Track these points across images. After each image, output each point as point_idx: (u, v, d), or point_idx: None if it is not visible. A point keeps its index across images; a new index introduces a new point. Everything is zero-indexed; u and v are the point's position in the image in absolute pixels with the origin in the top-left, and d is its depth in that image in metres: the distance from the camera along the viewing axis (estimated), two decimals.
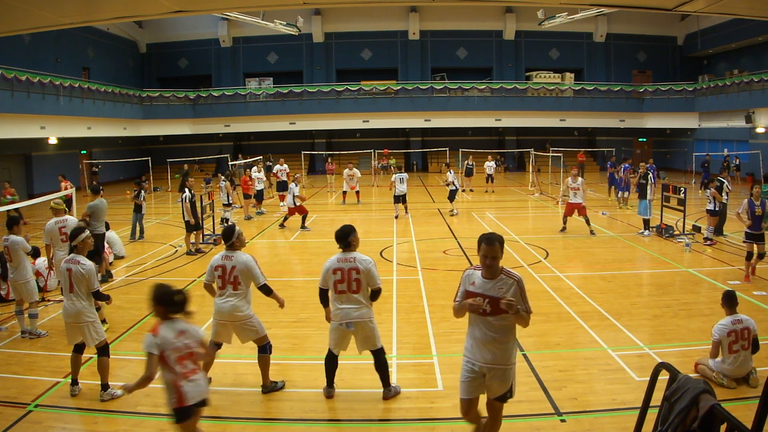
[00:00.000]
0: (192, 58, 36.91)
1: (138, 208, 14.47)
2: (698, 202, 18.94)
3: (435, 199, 22.51)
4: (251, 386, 5.93)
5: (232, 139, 36.31)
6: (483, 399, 4.40)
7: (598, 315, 8.13)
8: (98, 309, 6.44)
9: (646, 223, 14.11)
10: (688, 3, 4.44)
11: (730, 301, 5.98)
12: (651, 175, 14.38)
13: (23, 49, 24.87)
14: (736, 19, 23.18)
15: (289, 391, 5.90)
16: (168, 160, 28.84)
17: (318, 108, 33.15)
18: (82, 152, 29.60)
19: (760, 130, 26.37)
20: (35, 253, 9.38)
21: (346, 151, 30.69)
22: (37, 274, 9.13)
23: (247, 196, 18.11)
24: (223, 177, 17.56)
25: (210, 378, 6.01)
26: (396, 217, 17.49)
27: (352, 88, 33.60)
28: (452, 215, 18.17)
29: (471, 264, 10.38)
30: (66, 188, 15.05)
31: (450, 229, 15.44)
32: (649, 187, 14.00)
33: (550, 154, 26.38)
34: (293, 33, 31.22)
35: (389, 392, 5.68)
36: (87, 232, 6.13)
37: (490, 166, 24.76)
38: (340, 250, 5.54)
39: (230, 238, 5.82)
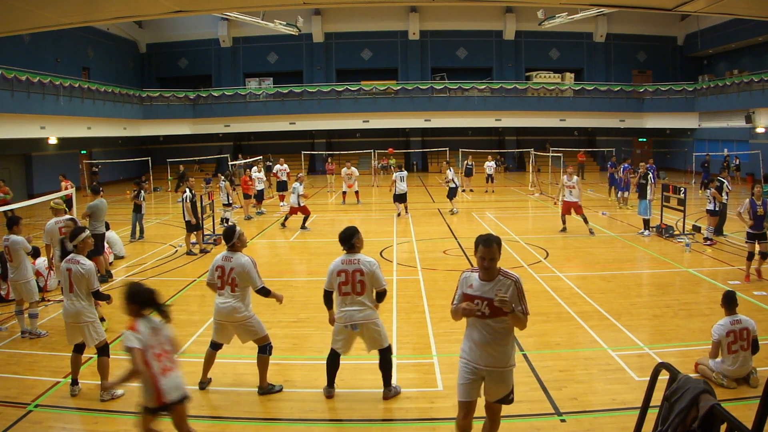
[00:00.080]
0: (192, 58, 36.91)
1: (138, 208, 14.47)
2: (698, 202, 18.94)
3: (435, 199, 22.51)
4: (251, 386, 5.93)
5: (232, 139, 36.31)
6: (480, 402, 4.37)
7: (598, 315, 8.13)
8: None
9: (646, 223, 14.11)
10: (688, 3, 4.44)
11: (729, 301, 5.98)
12: (651, 175, 14.38)
13: (23, 49, 24.87)
14: (736, 19, 23.18)
15: (289, 391, 5.90)
16: (168, 160, 28.87)
17: (318, 108, 33.15)
18: (82, 152, 29.60)
19: (760, 130, 26.37)
20: (35, 253, 9.38)
21: (346, 151, 30.70)
22: (37, 274, 9.12)
23: (247, 196, 18.11)
24: (222, 177, 17.56)
25: (210, 378, 6.02)
26: (398, 215, 17.56)
27: (352, 88, 33.60)
28: (452, 214, 18.23)
29: (471, 264, 10.39)
30: (66, 188, 15.04)
31: (450, 229, 15.44)
32: (649, 187, 14.00)
33: (550, 154, 26.38)
34: (293, 33, 31.22)
35: (389, 392, 5.68)
36: (87, 232, 6.13)
37: (490, 166, 24.77)
38: (344, 251, 5.54)
39: (231, 238, 5.83)
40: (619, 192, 19.45)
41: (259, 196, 18.91)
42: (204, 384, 5.97)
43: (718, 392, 4.33)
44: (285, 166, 20.62)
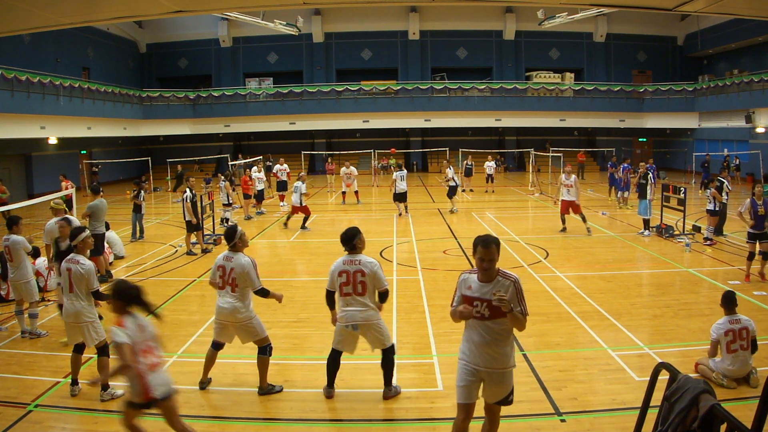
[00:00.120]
0: (192, 58, 36.91)
1: (137, 209, 14.46)
2: (698, 202, 18.94)
3: (435, 198, 22.51)
4: (251, 386, 5.93)
5: (232, 139, 36.31)
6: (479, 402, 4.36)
7: (598, 315, 8.13)
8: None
9: (646, 223, 14.11)
10: (688, 3, 4.44)
11: (728, 301, 5.99)
12: (651, 175, 14.38)
13: (23, 49, 24.87)
14: (736, 19, 23.18)
15: (289, 391, 5.90)
16: (168, 160, 28.84)
17: (318, 108, 33.15)
18: (82, 152, 29.59)
19: (760, 130, 26.37)
20: (35, 253, 9.38)
21: (346, 151, 30.71)
22: (37, 274, 9.13)
23: (247, 196, 18.11)
24: (222, 177, 17.56)
25: (210, 378, 6.03)
26: (399, 215, 17.61)
27: (352, 88, 33.60)
28: (451, 213, 18.28)
29: (471, 264, 10.38)
30: (67, 188, 15.04)
31: (450, 229, 15.44)
32: (649, 187, 13.99)
33: (550, 154, 26.38)
34: (293, 33, 31.22)
35: (389, 391, 5.68)
36: (87, 232, 6.12)
37: (490, 166, 24.76)
38: (345, 252, 5.55)
39: (232, 238, 5.83)
40: (619, 192, 19.45)
41: (259, 196, 18.91)
42: (204, 384, 5.97)
43: (718, 392, 4.33)
44: (285, 166, 20.63)
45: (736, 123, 28.10)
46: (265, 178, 20.22)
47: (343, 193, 21.58)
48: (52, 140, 25.68)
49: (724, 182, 13.32)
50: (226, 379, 6.16)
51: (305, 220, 15.60)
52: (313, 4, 11.24)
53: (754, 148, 26.29)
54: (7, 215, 8.82)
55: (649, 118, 33.56)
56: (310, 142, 36.13)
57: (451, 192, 18.69)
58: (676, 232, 13.62)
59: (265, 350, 5.77)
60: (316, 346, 7.19)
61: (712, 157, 26.11)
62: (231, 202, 16.87)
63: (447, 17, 35.63)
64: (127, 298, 4.19)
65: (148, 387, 4.05)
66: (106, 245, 11.20)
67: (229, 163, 24.21)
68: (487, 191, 24.36)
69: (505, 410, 4.41)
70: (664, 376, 3.89)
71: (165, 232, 16.03)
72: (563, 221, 14.64)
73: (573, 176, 14.42)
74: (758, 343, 6.02)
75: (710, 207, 13.04)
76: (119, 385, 5.87)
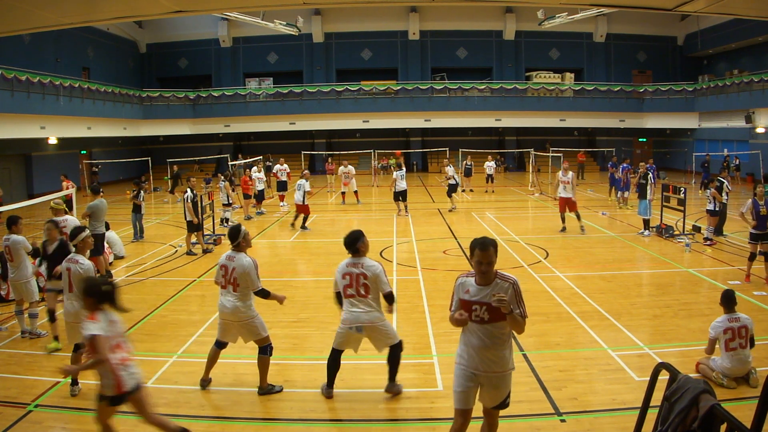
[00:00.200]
0: (192, 58, 36.91)
1: (137, 209, 14.45)
2: (698, 202, 18.94)
3: (435, 198, 22.51)
4: (251, 386, 5.93)
5: (232, 139, 36.31)
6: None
7: (598, 315, 8.13)
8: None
9: (646, 223, 14.11)
10: (688, 3, 4.44)
11: (728, 300, 5.99)
12: (651, 175, 14.38)
13: (23, 49, 24.87)
14: (736, 19, 23.18)
15: (289, 391, 5.90)
16: (168, 160, 28.86)
17: (318, 108, 33.15)
18: (82, 152, 29.60)
19: (760, 130, 26.37)
20: (35, 253, 9.37)
21: (346, 151, 30.71)
22: (37, 274, 9.11)
23: (247, 196, 18.11)
24: (222, 177, 17.56)
25: (210, 378, 6.03)
26: (398, 213, 17.73)
27: (352, 88, 33.60)
28: (450, 211, 18.39)
29: (472, 264, 10.38)
30: (68, 188, 15.04)
31: (450, 229, 15.44)
32: (649, 187, 14.00)
33: (550, 154, 26.38)
34: (293, 33, 31.23)
35: (392, 387, 5.70)
36: (87, 231, 6.12)
37: (490, 166, 24.76)
38: (349, 255, 5.56)
39: (236, 238, 5.84)
40: (619, 192, 19.46)
41: (260, 196, 18.91)
42: (205, 382, 5.98)
43: (718, 392, 4.33)
44: (285, 166, 20.64)
45: (736, 123, 28.11)
46: (265, 178, 20.23)
47: (343, 193, 21.60)
48: (52, 140, 25.68)
49: (724, 182, 13.32)
50: (226, 379, 6.16)
51: (305, 219, 15.59)
52: (313, 4, 11.25)
53: (754, 148, 26.30)
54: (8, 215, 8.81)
55: (649, 118, 33.56)
56: (310, 142, 36.13)
57: (451, 190, 18.92)
58: (676, 232, 13.62)
59: (265, 350, 5.77)
60: (316, 346, 7.19)
61: (712, 157, 26.11)
62: (231, 202, 16.87)
63: (447, 17, 35.63)
64: (99, 295, 4.25)
65: (121, 380, 4.15)
66: (106, 245, 11.20)
67: (229, 163, 24.21)
68: (487, 191, 24.36)
69: (505, 410, 4.40)
70: (664, 376, 3.89)
71: (165, 232, 16.03)
72: (563, 220, 14.67)
73: (570, 173, 14.50)
74: (759, 343, 6.03)
75: (710, 207, 13.04)
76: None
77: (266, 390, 5.80)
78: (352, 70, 36.53)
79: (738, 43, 30.76)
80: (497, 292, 3.89)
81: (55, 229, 7.45)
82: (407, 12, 35.30)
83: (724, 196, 13.10)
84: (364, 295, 5.43)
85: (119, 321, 4.36)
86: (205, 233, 13.68)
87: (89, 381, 5.97)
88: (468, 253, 4.04)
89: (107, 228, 11.32)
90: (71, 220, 8.83)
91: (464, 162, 25.16)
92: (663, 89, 32.88)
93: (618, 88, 33.48)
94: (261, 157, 26.75)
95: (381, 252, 12.43)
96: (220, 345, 5.95)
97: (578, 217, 14.46)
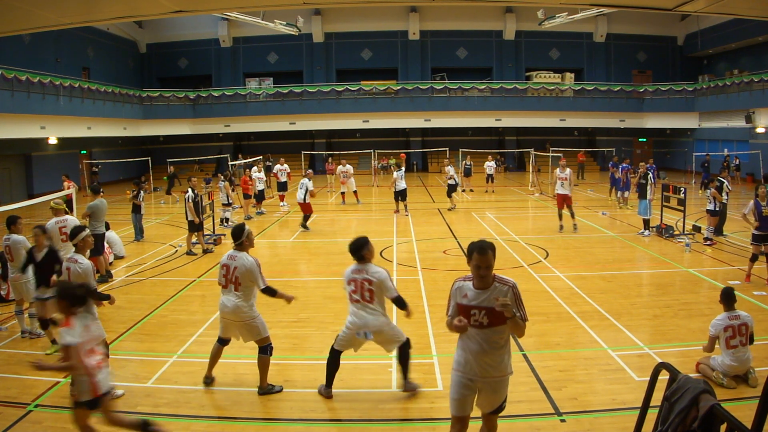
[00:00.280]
0: (192, 58, 36.92)
1: (137, 209, 14.44)
2: (698, 202, 18.94)
3: (435, 198, 22.51)
4: (251, 386, 5.93)
5: (232, 139, 36.31)
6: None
7: (598, 315, 8.13)
8: None
9: (646, 223, 14.11)
10: (688, 3, 4.45)
11: (728, 297, 6.00)
12: (651, 175, 14.38)
13: (23, 49, 24.87)
14: (736, 19, 23.18)
15: (289, 391, 5.90)
16: (168, 160, 28.84)
17: (318, 108, 33.15)
18: (82, 152, 29.60)
19: (760, 130, 26.37)
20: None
21: (346, 151, 30.72)
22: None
23: (247, 196, 18.11)
24: (222, 177, 17.56)
25: (214, 376, 6.04)
26: (396, 212, 17.83)
27: (352, 88, 33.60)
28: (449, 210, 18.53)
29: None
30: (69, 189, 15.03)
31: (450, 229, 15.44)
32: (649, 187, 14.00)
33: (550, 154, 26.37)
34: (293, 33, 31.22)
35: (409, 385, 5.73)
36: (87, 231, 6.11)
37: (490, 166, 24.76)
38: (354, 261, 5.57)
39: (239, 237, 5.85)
40: (619, 192, 19.47)
41: (260, 197, 18.91)
42: (209, 380, 6.00)
43: (718, 392, 4.33)
44: (285, 166, 20.65)
45: (736, 123, 28.11)
46: (265, 178, 20.23)
47: (342, 193, 21.61)
48: (52, 140, 25.68)
49: (724, 182, 13.31)
50: (226, 379, 6.16)
51: (306, 218, 15.54)
52: (313, 4, 11.25)
53: (754, 148, 26.31)
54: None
55: (649, 118, 33.56)
56: (310, 142, 36.13)
57: (450, 190, 19.07)
58: (676, 232, 13.62)
59: (265, 350, 5.78)
60: (316, 346, 7.19)
61: (712, 157, 26.12)
62: (231, 202, 16.87)
63: (447, 17, 35.64)
64: (73, 298, 4.25)
65: (96, 384, 4.20)
66: (106, 245, 11.20)
67: (229, 163, 24.21)
68: (487, 191, 24.36)
69: (505, 410, 4.39)
70: (664, 376, 3.89)
71: (165, 232, 16.03)
72: (560, 217, 14.72)
73: (568, 170, 14.61)
74: (759, 343, 6.03)
75: (710, 207, 13.04)
76: (120, 385, 5.88)
77: (266, 390, 5.80)
78: (352, 70, 36.53)
79: (738, 43, 30.76)
80: (496, 295, 3.82)
81: (42, 235, 7.30)
82: (407, 12, 35.30)
83: (724, 196, 13.10)
84: (369, 300, 5.45)
85: (93, 324, 4.39)
86: (205, 233, 13.68)
87: None
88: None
89: (107, 228, 11.32)
90: (71, 220, 8.82)
91: (464, 162, 25.17)
92: (663, 89, 32.88)
93: (618, 88, 33.48)
94: (261, 157, 26.74)
95: (381, 252, 12.43)
96: (222, 342, 5.98)
97: (572, 214, 14.57)
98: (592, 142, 36.66)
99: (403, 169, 18.37)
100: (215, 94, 34.02)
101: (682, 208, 13.60)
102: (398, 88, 34.03)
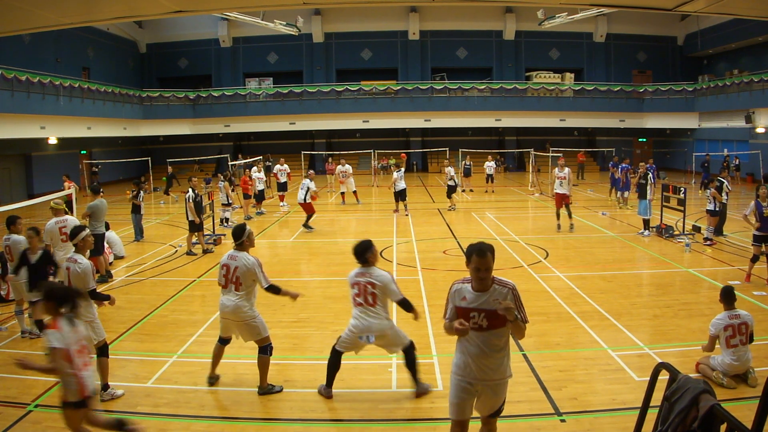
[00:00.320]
0: (192, 58, 36.92)
1: (137, 209, 14.43)
2: (698, 202, 18.93)
3: (435, 198, 22.52)
4: (251, 386, 5.93)
5: (232, 139, 36.31)
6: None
7: (598, 315, 8.13)
8: None
9: (646, 223, 14.11)
10: (688, 3, 4.45)
11: (728, 296, 6.00)
12: (651, 175, 14.39)
13: (23, 49, 24.87)
14: (736, 19, 23.17)
15: (289, 391, 5.90)
16: (168, 160, 28.82)
17: (318, 108, 33.16)
18: (82, 152, 29.60)
19: (760, 130, 26.38)
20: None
21: (346, 151, 30.72)
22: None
23: (246, 196, 18.11)
24: (222, 177, 17.57)
25: (218, 375, 6.05)
26: (395, 211, 17.91)
27: (352, 88, 33.60)
28: (449, 210, 18.63)
29: None
30: (69, 189, 15.02)
31: (450, 229, 15.44)
32: (648, 187, 14.00)
33: (550, 154, 26.34)
34: (293, 33, 31.22)
35: (420, 388, 5.72)
36: (87, 231, 6.09)
37: (490, 166, 24.77)
38: (358, 264, 5.57)
39: (240, 237, 5.85)
40: (619, 192, 19.47)
41: (260, 197, 18.91)
42: (212, 379, 6.02)
43: (718, 392, 4.33)
44: (285, 166, 20.65)
45: (736, 123, 28.11)
46: (265, 178, 20.24)
47: (342, 193, 21.62)
48: (52, 140, 25.68)
49: (724, 182, 13.32)
50: (226, 379, 6.16)
51: (308, 219, 15.48)
52: (313, 4, 11.25)
53: (754, 148, 26.31)
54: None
55: (649, 118, 33.57)
56: (310, 142, 36.14)
57: (450, 191, 19.12)
58: (676, 232, 13.62)
59: (265, 350, 5.78)
60: (316, 346, 7.19)
61: (712, 157, 26.12)
62: (230, 202, 16.87)
63: (447, 17, 35.64)
64: (59, 299, 4.24)
65: (84, 385, 4.19)
66: (106, 245, 11.20)
67: (229, 163, 24.21)
68: (487, 191, 24.36)
69: (505, 410, 4.39)
70: (664, 376, 3.89)
71: (165, 232, 16.03)
72: (558, 216, 14.79)
73: (566, 169, 14.64)
74: (759, 343, 6.03)
75: (710, 207, 13.04)
76: (119, 385, 5.89)
77: (266, 390, 5.80)
78: (352, 70, 36.53)
79: (738, 43, 30.76)
80: (496, 297, 3.80)
81: (36, 237, 7.27)
82: (407, 12, 35.30)
83: (724, 196, 13.10)
84: (372, 304, 5.45)
85: (80, 325, 4.38)
86: (205, 233, 13.68)
87: None
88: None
89: (107, 228, 11.32)
90: (71, 220, 8.82)
91: (463, 162, 25.18)
92: (663, 89, 32.89)
93: (618, 88, 33.49)
94: (261, 157, 26.74)
95: (381, 252, 12.43)
96: (223, 342, 5.99)
97: (569, 214, 14.62)
98: (592, 142, 36.66)
99: (403, 169, 18.51)
100: (215, 94, 34.02)
101: (682, 208, 13.60)
102: (398, 88, 34.03)
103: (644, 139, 36.24)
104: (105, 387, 5.74)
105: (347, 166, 21.40)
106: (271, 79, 36.14)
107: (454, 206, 18.99)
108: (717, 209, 12.97)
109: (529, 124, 34.05)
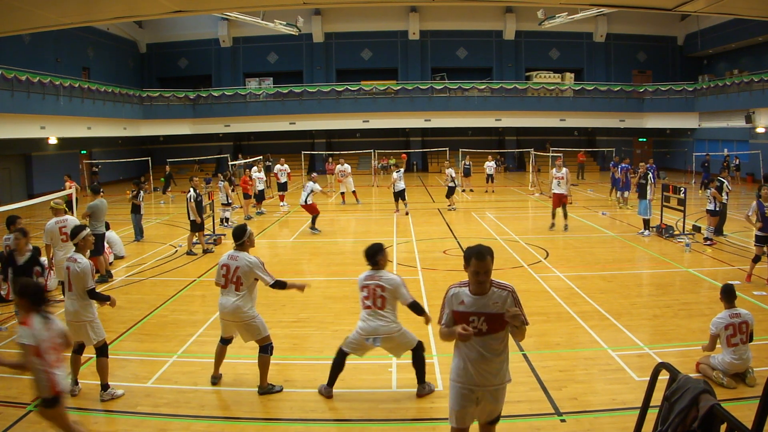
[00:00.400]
0: (192, 58, 36.92)
1: (136, 209, 14.43)
2: (698, 202, 18.93)
3: (435, 198, 22.52)
4: (251, 386, 5.94)
5: (232, 139, 36.31)
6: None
7: (598, 315, 8.13)
8: None
9: (646, 223, 14.11)
10: (688, 3, 4.45)
11: (728, 295, 6.01)
12: (651, 175, 14.40)
13: (23, 49, 24.87)
14: (736, 19, 23.18)
15: (289, 391, 5.90)
16: (168, 160, 28.84)
17: (318, 108, 33.16)
18: (82, 152, 29.60)
19: (760, 130, 26.38)
20: (35, 253, 9.36)
21: (347, 151, 30.72)
22: (37, 274, 9.11)
23: (247, 196, 18.11)
24: (221, 177, 17.56)
25: (221, 374, 6.06)
26: (396, 211, 17.95)
27: (352, 88, 33.60)
28: (449, 209, 18.70)
29: None
30: (70, 188, 15.01)
31: (450, 229, 15.44)
32: (649, 187, 14.01)
33: (550, 154, 26.32)
34: (293, 33, 31.22)
35: (423, 389, 5.72)
36: (87, 230, 6.09)
37: (490, 166, 24.77)
38: (369, 267, 5.58)
39: (241, 237, 5.86)
40: (619, 192, 19.47)
41: (260, 197, 18.91)
42: (215, 379, 6.03)
43: (718, 392, 4.32)
44: (285, 166, 20.65)
45: (736, 123, 28.11)
46: (265, 178, 20.24)
47: (342, 193, 21.63)
48: (52, 140, 25.68)
49: (724, 182, 13.32)
50: (226, 379, 6.17)
51: (314, 220, 15.30)
52: (313, 4, 11.25)
53: (754, 148, 26.31)
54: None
55: (649, 118, 33.57)
56: (310, 142, 36.14)
57: (450, 192, 19.20)
58: (676, 232, 13.62)
59: (266, 349, 5.78)
60: (316, 346, 7.20)
61: (712, 157, 26.12)
62: (230, 202, 16.86)
63: (447, 17, 35.64)
64: (32, 296, 4.26)
65: (55, 381, 4.20)
66: (106, 245, 11.20)
67: (229, 163, 24.21)
68: (487, 191, 24.37)
69: (505, 410, 4.38)
70: (664, 376, 3.89)
71: (165, 232, 16.03)
72: (553, 216, 14.85)
73: (564, 169, 14.68)
74: (759, 343, 6.04)
75: (710, 207, 13.04)
76: (120, 385, 5.89)
77: (266, 390, 5.80)
78: (352, 70, 36.53)
79: (738, 43, 30.76)
80: (496, 301, 3.75)
81: (23, 238, 7.22)
82: (407, 12, 35.30)
83: (724, 196, 13.10)
84: (381, 307, 5.45)
85: (55, 321, 4.38)
86: (205, 233, 13.68)
87: (89, 381, 5.98)
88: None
89: (107, 228, 11.32)
90: (71, 220, 8.82)
91: (463, 162, 25.18)
92: (663, 89, 32.89)
93: (618, 88, 33.49)
94: (261, 157, 26.74)
95: None
96: (224, 341, 6.00)
97: (565, 214, 14.68)
98: (592, 142, 36.66)
99: (402, 169, 18.62)
100: (215, 94, 34.02)
101: (682, 208, 13.60)
102: (398, 88, 34.03)
103: (644, 139, 36.24)
104: (105, 387, 5.73)
105: (346, 165, 21.44)
106: (271, 79, 36.14)
107: (454, 206, 19.02)
108: (717, 209, 12.97)
109: (529, 124, 34.05)
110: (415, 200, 21.49)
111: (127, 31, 34.83)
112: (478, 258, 3.70)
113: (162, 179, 26.89)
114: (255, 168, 19.13)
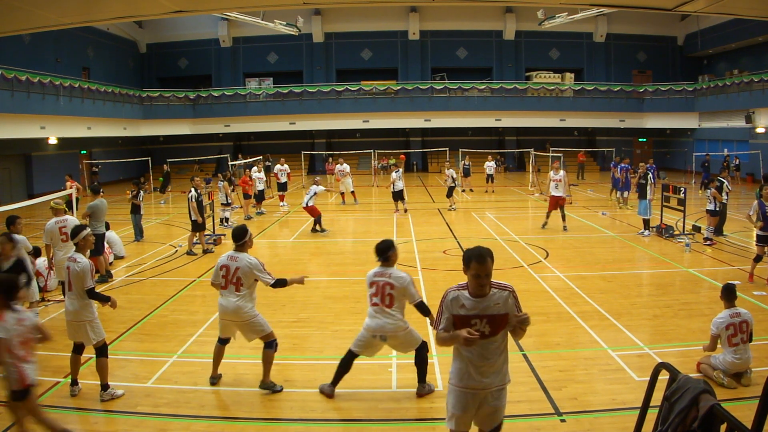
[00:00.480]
0: (192, 58, 36.92)
1: (136, 209, 14.43)
2: (698, 202, 18.93)
3: (435, 198, 22.52)
4: (251, 386, 5.94)
5: (232, 139, 36.31)
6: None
7: (598, 315, 8.13)
8: None
9: (646, 223, 14.11)
10: (688, 3, 4.45)
11: (729, 294, 6.01)
12: (651, 175, 14.40)
13: (23, 49, 24.87)
14: (736, 19, 23.17)
15: (289, 391, 5.90)
16: (168, 160, 28.84)
17: (318, 108, 33.16)
18: (82, 152, 29.60)
19: (760, 130, 26.38)
20: (36, 253, 9.37)
21: (346, 151, 30.72)
22: (37, 274, 9.12)
23: (246, 196, 18.11)
24: (221, 177, 17.56)
25: (220, 374, 6.06)
26: (396, 211, 17.98)
27: (352, 88, 33.60)
28: (449, 209, 18.73)
29: None
30: (71, 188, 15.00)
31: (450, 229, 15.44)
32: (649, 187, 14.01)
33: (550, 154, 26.29)
34: (293, 33, 31.23)
35: (423, 389, 5.72)
36: (88, 230, 6.09)
37: (490, 166, 24.77)
38: (378, 263, 5.57)
39: (242, 238, 5.86)
40: (619, 192, 19.47)
41: (260, 197, 18.91)
42: (215, 379, 6.03)
43: (718, 392, 4.33)
44: (285, 166, 20.66)
45: (736, 123, 28.12)
46: (264, 178, 20.24)
47: (342, 193, 21.64)
48: (52, 140, 25.68)
49: (724, 182, 13.31)
50: (226, 379, 6.17)
51: (318, 222, 15.26)
52: (313, 4, 11.26)
53: (754, 148, 26.31)
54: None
55: (649, 118, 33.57)
56: (310, 142, 36.13)
57: (450, 192, 19.29)
58: (676, 232, 13.62)
59: (271, 345, 5.81)
60: (316, 346, 7.20)
61: (712, 157, 26.13)
62: (230, 202, 16.86)
63: (447, 17, 35.64)
64: (4, 291, 4.32)
65: (24, 375, 4.28)
66: (106, 245, 11.20)
67: (229, 163, 24.22)
68: (487, 191, 24.37)
69: (505, 410, 4.37)
70: (664, 376, 3.89)
71: (165, 232, 16.03)
72: (547, 216, 14.98)
73: (561, 171, 14.73)
74: (759, 343, 6.04)
75: (710, 207, 13.04)
76: (119, 385, 5.89)
77: (268, 385, 5.81)
78: (352, 70, 36.53)
79: (738, 43, 30.76)
80: (497, 302, 3.71)
81: (8, 244, 7.12)
82: (407, 12, 35.30)
83: (724, 196, 13.09)
84: (388, 305, 5.44)
85: (28, 316, 4.46)
86: (205, 233, 13.68)
87: (89, 381, 5.99)
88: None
89: (107, 228, 11.32)
90: (71, 220, 8.82)
91: (463, 162, 25.18)
92: (663, 89, 32.89)
93: (618, 88, 33.49)
94: (261, 157, 26.74)
95: None
96: (223, 342, 6.00)
97: (563, 216, 14.70)
98: (592, 142, 36.66)
99: (401, 170, 18.70)
100: (215, 94, 34.02)
101: (682, 208, 13.60)
102: (398, 88, 34.03)
103: (644, 139, 36.24)
104: (105, 387, 5.73)
105: (345, 165, 21.49)
106: (271, 79, 36.14)
107: (454, 206, 19.04)
108: (717, 209, 12.97)
109: (529, 124, 34.05)
110: (415, 200, 21.50)
111: (127, 31, 34.82)
112: (479, 261, 3.63)
113: (160, 178, 26.89)
114: (255, 168, 19.13)
